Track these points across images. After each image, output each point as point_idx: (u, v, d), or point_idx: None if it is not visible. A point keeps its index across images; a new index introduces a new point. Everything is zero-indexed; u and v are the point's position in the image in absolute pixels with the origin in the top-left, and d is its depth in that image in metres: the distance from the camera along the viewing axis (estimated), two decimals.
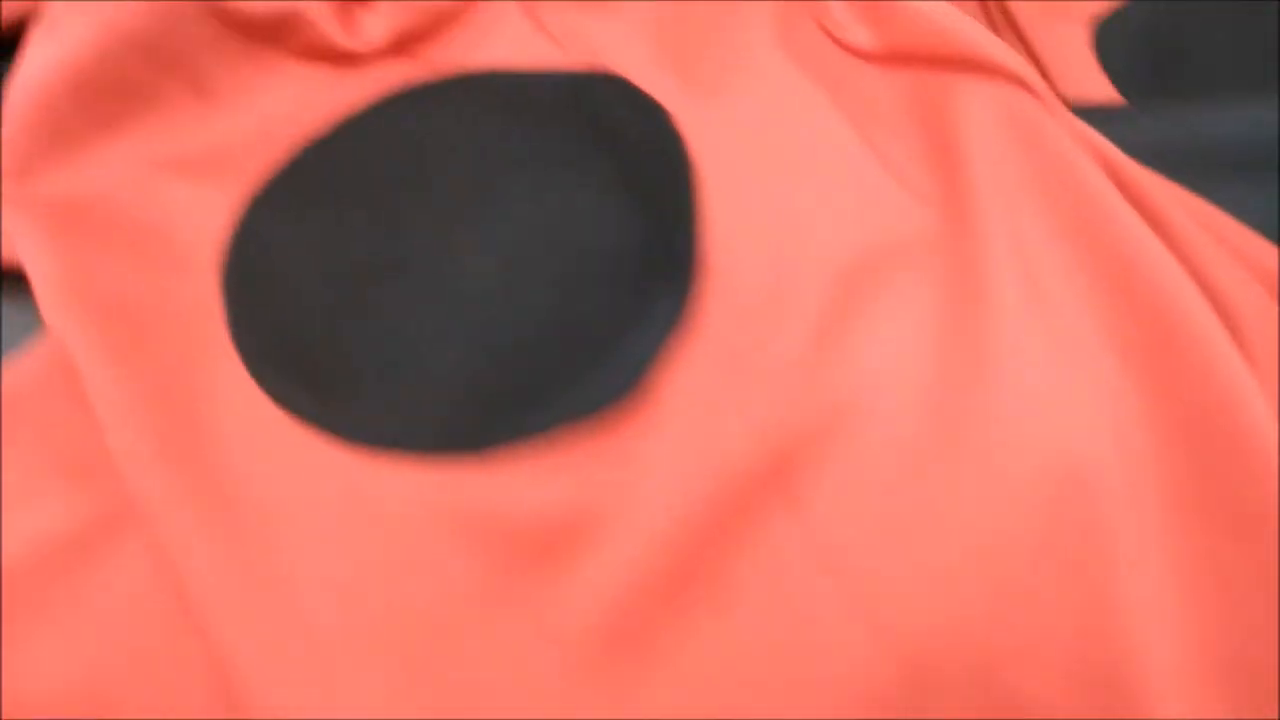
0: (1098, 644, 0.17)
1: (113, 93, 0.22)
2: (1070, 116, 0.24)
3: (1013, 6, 0.31)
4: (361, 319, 0.20)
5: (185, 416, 0.19)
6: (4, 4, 0.25)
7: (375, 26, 0.25)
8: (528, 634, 0.18)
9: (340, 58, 0.25)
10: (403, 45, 0.25)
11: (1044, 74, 0.29)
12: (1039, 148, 0.23)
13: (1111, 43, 0.31)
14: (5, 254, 0.21)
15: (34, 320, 0.20)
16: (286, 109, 0.24)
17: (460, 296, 0.20)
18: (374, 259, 0.21)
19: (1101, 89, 0.29)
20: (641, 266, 0.20)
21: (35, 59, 0.22)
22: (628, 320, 0.20)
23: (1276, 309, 0.22)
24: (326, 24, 0.24)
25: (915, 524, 0.18)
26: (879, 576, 0.17)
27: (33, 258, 0.20)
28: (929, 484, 0.18)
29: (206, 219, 0.22)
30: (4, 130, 0.21)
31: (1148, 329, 0.20)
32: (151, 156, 0.23)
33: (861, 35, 0.26)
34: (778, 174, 0.21)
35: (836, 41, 0.26)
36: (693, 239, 0.20)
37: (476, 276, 0.21)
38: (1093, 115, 0.26)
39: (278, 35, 0.24)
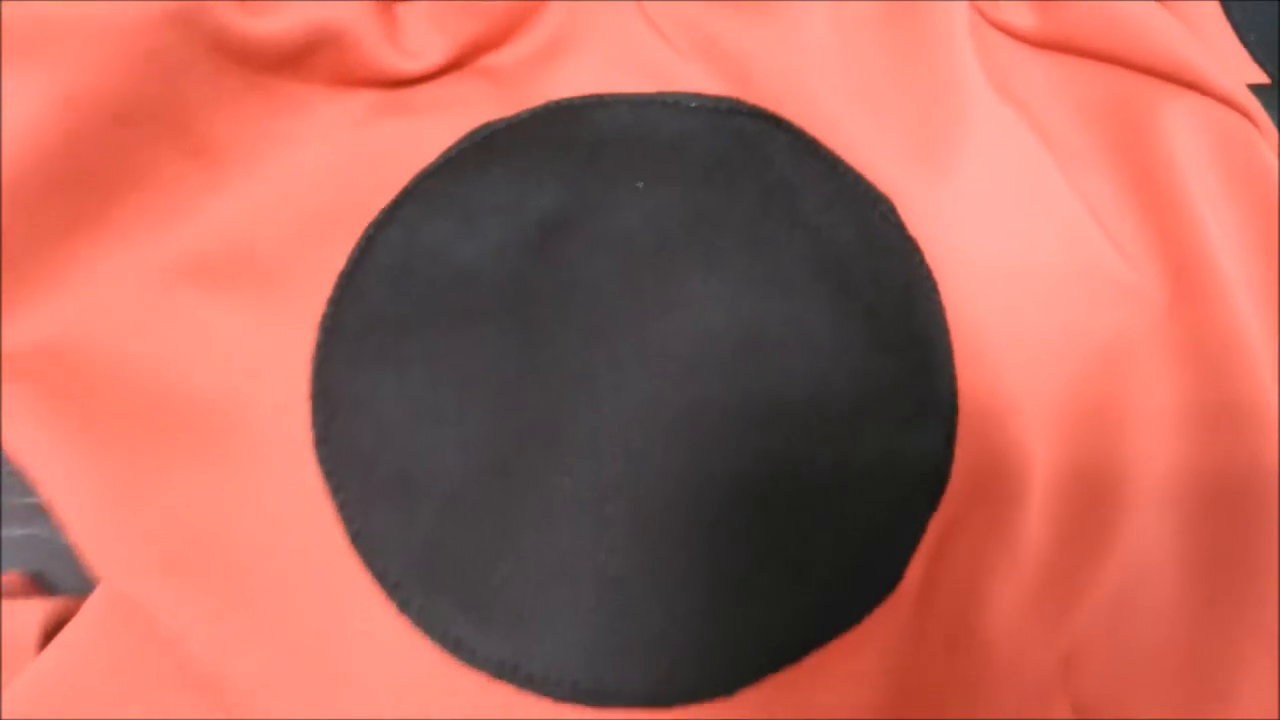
0: None
1: (89, 178, 0.15)
2: None
3: None
4: (523, 520, 0.15)
5: (321, 669, 0.14)
6: None
7: (429, 36, 0.18)
8: None
9: (387, 83, 0.18)
10: (469, 59, 0.18)
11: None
12: (1263, 195, 0.19)
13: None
14: None
15: None
16: (324, 166, 0.17)
17: (651, 471, 0.16)
18: (515, 423, 0.16)
19: (1249, 69, 0.25)
20: (886, 413, 0.16)
21: None
22: (879, 488, 0.16)
23: None
24: (369, 38, 0.17)
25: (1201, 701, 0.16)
26: None
27: (46, 470, 0.14)
28: (1214, 658, 0.16)
29: (268, 365, 0.16)
30: None
31: None
32: (157, 261, 0.16)
33: (1023, 17, 0.21)
34: (1013, 274, 0.17)
35: (990, 21, 0.21)
36: (950, 375, 0.16)
37: (662, 442, 0.16)
38: None
39: (301, 62, 0.17)
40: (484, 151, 0.17)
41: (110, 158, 0.15)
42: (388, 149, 0.18)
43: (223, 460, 0.15)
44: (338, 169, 0.17)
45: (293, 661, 0.14)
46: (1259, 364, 0.17)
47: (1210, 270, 0.18)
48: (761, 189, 0.17)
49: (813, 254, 0.17)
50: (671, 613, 0.15)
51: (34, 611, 0.15)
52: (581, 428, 0.16)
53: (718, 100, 0.18)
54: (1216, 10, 0.23)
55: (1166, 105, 0.20)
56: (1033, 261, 0.17)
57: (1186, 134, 0.19)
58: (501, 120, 0.18)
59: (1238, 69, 0.24)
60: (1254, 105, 0.20)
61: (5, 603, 0.15)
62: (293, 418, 0.15)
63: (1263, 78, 0.24)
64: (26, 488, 0.16)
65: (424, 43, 0.18)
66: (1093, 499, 0.16)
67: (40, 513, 0.16)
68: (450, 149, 0.17)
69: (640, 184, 0.17)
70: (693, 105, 0.18)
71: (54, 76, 0.14)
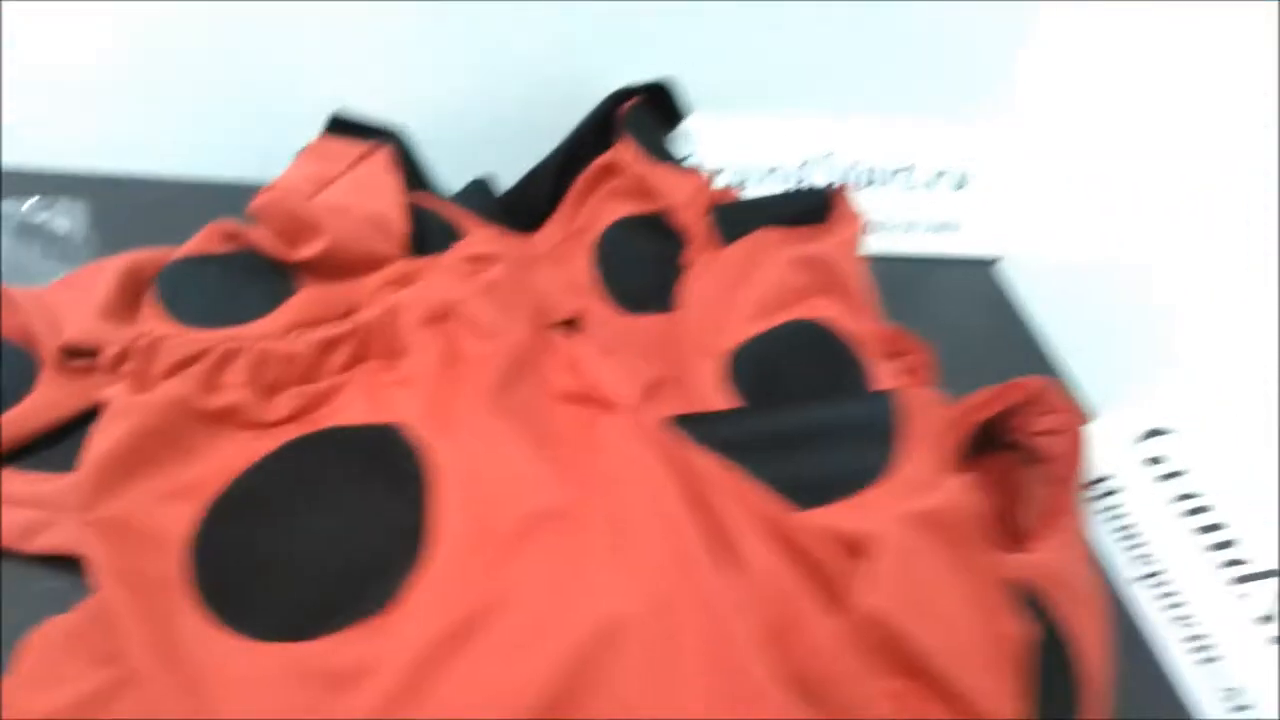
0: None
1: (140, 457, 0.42)
2: (666, 433, 0.43)
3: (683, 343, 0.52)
4: (253, 571, 0.39)
5: (170, 630, 0.37)
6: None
7: (281, 406, 0.45)
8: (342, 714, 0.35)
9: (261, 425, 0.44)
10: (296, 416, 0.45)
11: (693, 393, 0.50)
12: (634, 451, 0.42)
13: (733, 373, 0.51)
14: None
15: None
16: (230, 456, 0.43)
17: (307, 561, 0.39)
18: (260, 540, 0.40)
19: (721, 401, 0.49)
20: (400, 535, 0.39)
21: (97, 442, 0.42)
22: (394, 562, 0.38)
23: (769, 539, 0.40)
24: (255, 409, 0.44)
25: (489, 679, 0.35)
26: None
27: (91, 554, 0.39)
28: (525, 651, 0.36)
29: (182, 524, 0.41)
30: (81, 481, 0.41)
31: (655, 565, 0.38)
32: (158, 490, 0.42)
33: (563, 381, 0.46)
34: (483, 477, 0.40)
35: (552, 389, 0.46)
36: (425, 515, 0.39)
37: (315, 544, 0.39)
38: (694, 420, 0.45)
39: (228, 416, 0.44)
40: (289, 449, 0.43)
41: (151, 448, 0.42)
42: (257, 451, 0.44)
43: (156, 552, 0.39)
44: (237, 459, 0.43)
45: (156, 624, 0.37)
46: (609, 535, 0.39)
47: (602, 490, 0.41)
48: (385, 451, 0.42)
49: (394, 472, 0.41)
50: (297, 601, 0.37)
51: None
52: (289, 537, 0.39)
53: (380, 424, 0.43)
54: (714, 368, 0.48)
55: (605, 415, 0.44)
56: (497, 472, 0.40)
57: (612, 426, 0.43)
58: (302, 437, 0.44)
59: (715, 398, 0.47)
60: (638, 410, 0.43)
61: None
62: (185, 539, 0.40)
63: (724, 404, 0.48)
64: None
65: (279, 411, 0.45)
66: (486, 558, 0.38)
67: None
68: (277, 448, 0.43)
69: (346, 454, 0.42)
70: (373, 427, 0.44)
71: (125, 422, 0.42)
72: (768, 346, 0.52)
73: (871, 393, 0.47)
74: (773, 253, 0.55)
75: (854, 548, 0.40)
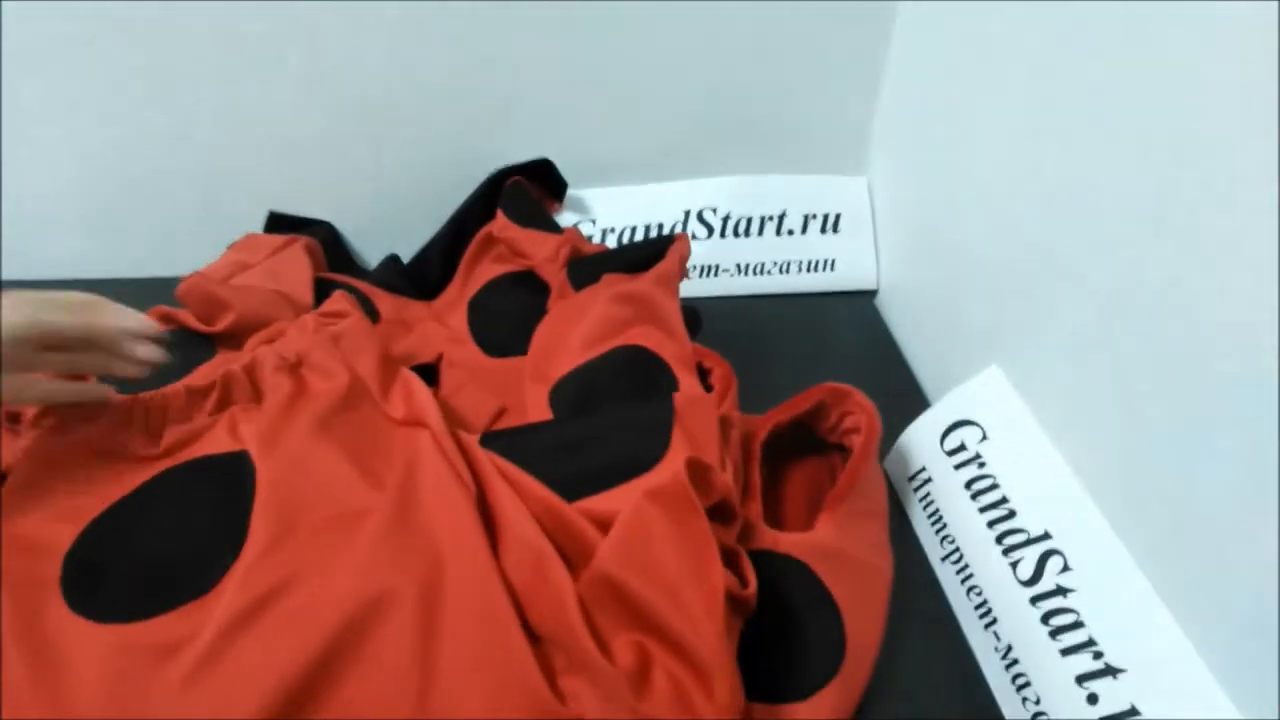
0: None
1: (31, 490, 0.51)
2: (470, 446, 0.51)
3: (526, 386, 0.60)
4: (107, 569, 0.47)
5: (39, 620, 0.46)
6: None
7: (162, 444, 0.54)
8: (162, 679, 0.42)
9: (146, 459, 0.54)
10: (173, 450, 0.54)
11: (527, 417, 0.57)
12: (436, 460, 0.50)
13: (557, 395, 0.58)
14: None
15: None
16: (119, 484, 0.53)
17: (151, 558, 0.47)
18: (119, 545, 0.48)
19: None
20: (226, 535, 0.47)
21: (12, 477, 0.51)
22: (219, 556, 0.46)
23: (537, 522, 0.47)
24: (136, 445, 0.54)
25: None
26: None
27: None
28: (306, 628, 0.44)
29: (68, 538, 0.50)
30: None
31: (435, 547, 0.46)
32: (50, 515, 0.51)
33: (398, 410, 0.54)
34: (293, 486, 0.49)
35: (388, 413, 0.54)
36: (248, 519, 0.47)
37: (160, 545, 0.48)
38: (495, 435, 0.53)
39: (113, 450, 0.53)
40: (162, 476, 0.52)
41: (47, 483, 0.51)
42: (137, 479, 0.53)
43: (44, 559, 0.48)
44: (123, 486, 0.53)
45: (27, 611, 0.46)
46: (398, 527, 0.47)
47: (409, 494, 0.48)
48: (230, 473, 0.50)
49: (233, 484, 0.49)
50: (128, 592, 0.45)
51: None
52: (144, 545, 0.48)
53: (233, 452, 0.52)
54: (542, 393, 0.56)
55: (421, 433, 0.52)
56: (313, 479, 0.49)
57: (424, 443, 0.51)
58: (173, 466, 0.53)
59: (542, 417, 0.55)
60: (447, 434, 0.51)
61: None
62: (64, 550, 0.49)
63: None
64: None
65: (160, 447, 0.54)
66: (286, 549, 0.45)
67: None
68: (153, 476, 0.53)
69: (201, 477, 0.51)
70: (231, 454, 0.52)
71: (34, 460, 0.51)
72: (590, 371, 0.59)
73: (656, 401, 0.53)
74: (604, 292, 0.63)
75: (605, 525, 0.47)
